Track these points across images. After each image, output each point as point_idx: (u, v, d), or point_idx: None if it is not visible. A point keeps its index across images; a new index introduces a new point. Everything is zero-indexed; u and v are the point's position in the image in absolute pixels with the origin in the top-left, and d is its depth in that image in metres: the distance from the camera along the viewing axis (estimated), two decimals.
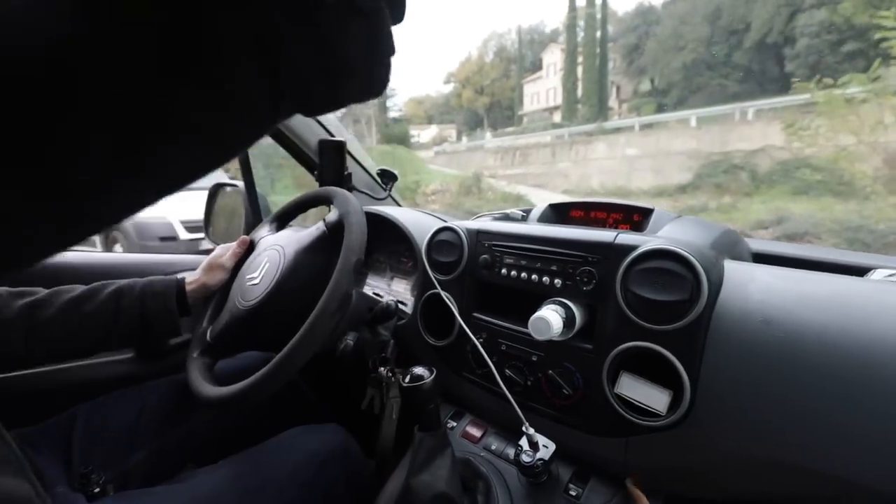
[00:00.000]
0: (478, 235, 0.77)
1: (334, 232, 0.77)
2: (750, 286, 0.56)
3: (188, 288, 0.84)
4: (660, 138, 11.37)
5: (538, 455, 0.63)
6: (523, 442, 0.64)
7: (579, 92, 20.59)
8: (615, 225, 0.83)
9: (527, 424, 0.63)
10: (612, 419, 0.61)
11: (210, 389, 0.72)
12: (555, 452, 0.63)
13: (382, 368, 0.82)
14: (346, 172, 1.21)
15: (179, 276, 0.85)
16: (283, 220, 0.96)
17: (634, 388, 0.60)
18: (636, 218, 0.80)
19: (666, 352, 0.56)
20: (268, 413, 0.94)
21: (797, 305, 0.52)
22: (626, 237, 0.62)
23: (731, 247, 0.68)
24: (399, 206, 1.33)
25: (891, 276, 0.65)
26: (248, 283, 0.80)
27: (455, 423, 0.80)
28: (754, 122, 9.58)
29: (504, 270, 0.73)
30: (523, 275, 0.70)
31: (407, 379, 0.65)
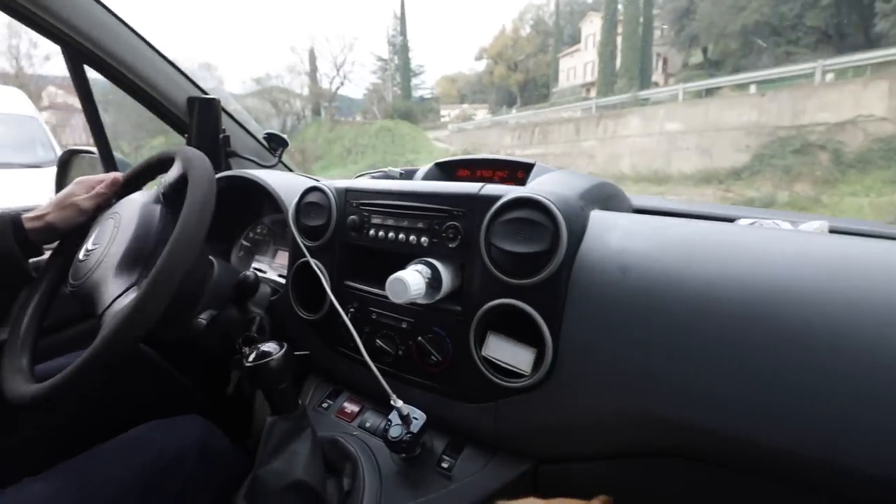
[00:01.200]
0: (346, 195, 0.69)
1: (174, 197, 0.65)
2: (610, 234, 0.53)
3: (28, 226, 0.67)
4: (709, 109, 8.50)
5: (409, 428, 0.58)
6: (393, 416, 0.59)
7: (618, 64, 16.59)
8: (500, 182, 0.78)
9: (394, 397, 0.58)
10: (480, 383, 0.57)
11: (20, 388, 0.60)
12: (427, 424, 0.59)
13: (247, 349, 0.73)
14: (222, 135, 1.08)
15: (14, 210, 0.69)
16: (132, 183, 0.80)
17: (501, 349, 0.56)
18: (520, 175, 0.76)
19: (528, 307, 0.52)
20: (124, 408, 0.82)
21: (654, 250, 0.50)
22: (491, 188, 0.57)
23: (604, 199, 0.65)
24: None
25: (753, 223, 0.66)
26: (79, 259, 0.67)
27: (331, 403, 0.73)
28: (842, 84, 6.71)
29: (372, 231, 0.66)
30: (391, 234, 0.64)
31: (252, 357, 0.57)
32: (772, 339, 0.42)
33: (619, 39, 16.79)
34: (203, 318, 0.70)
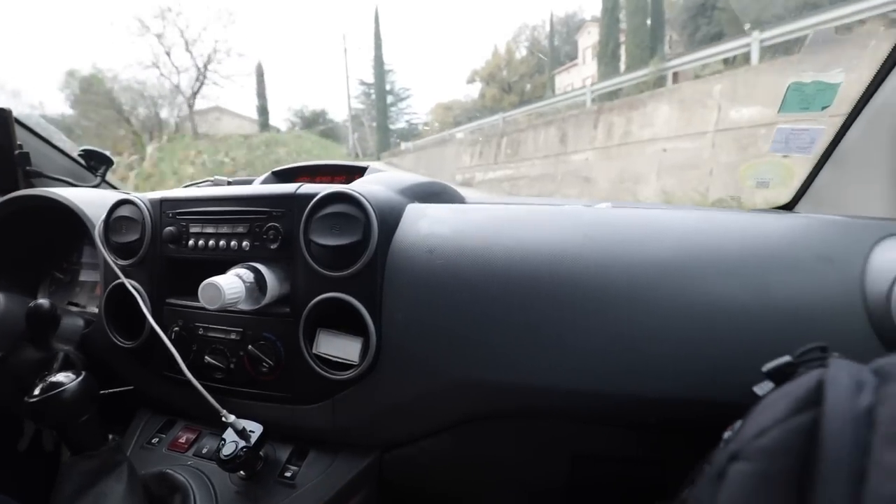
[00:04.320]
0: (161, 206, 0.65)
1: None
2: (420, 222, 0.57)
3: None
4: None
5: (246, 442, 0.55)
6: (227, 434, 0.55)
7: (622, 66, 11.35)
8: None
9: (224, 412, 0.54)
10: (315, 382, 0.57)
11: None
12: (266, 435, 0.56)
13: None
14: (18, 151, 0.93)
15: None
16: None
17: (331, 345, 0.56)
18: (356, 177, 0.78)
19: (350, 298, 0.54)
20: None
21: (454, 232, 0.55)
22: (308, 187, 0.58)
23: (427, 195, 0.70)
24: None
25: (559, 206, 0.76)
26: None
27: (163, 436, 0.66)
28: None
29: (191, 241, 0.62)
30: (210, 242, 0.61)
31: (37, 391, 0.50)
32: (558, 295, 0.49)
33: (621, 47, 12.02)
34: None
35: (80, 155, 1.04)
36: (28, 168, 0.94)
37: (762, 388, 0.38)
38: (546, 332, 0.49)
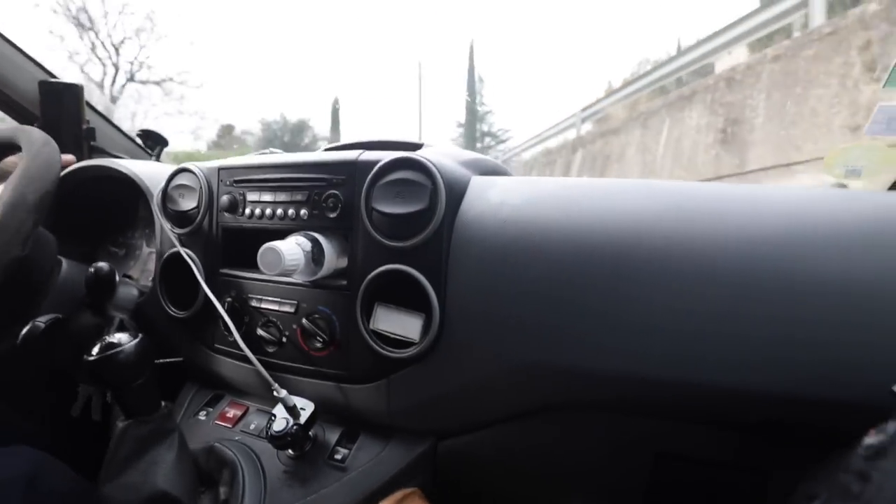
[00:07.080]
0: (219, 174, 0.63)
1: None
2: (490, 191, 0.53)
3: None
4: None
5: (296, 420, 0.52)
6: (277, 410, 0.53)
7: None
8: None
9: (276, 387, 0.52)
10: (370, 360, 0.53)
11: None
12: (317, 414, 0.53)
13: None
14: (85, 126, 0.95)
15: None
16: None
17: (389, 320, 0.53)
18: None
19: (412, 270, 0.50)
20: None
21: (528, 203, 0.50)
22: (369, 154, 0.55)
23: (490, 171, 0.66)
24: None
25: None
26: None
27: (210, 410, 0.64)
28: None
29: (248, 210, 0.60)
30: (268, 210, 0.59)
31: (96, 350, 0.49)
32: (649, 272, 0.44)
33: None
34: (41, 321, 0.58)
35: (138, 135, 1.07)
36: (93, 143, 0.97)
37: None
38: (634, 314, 0.43)
